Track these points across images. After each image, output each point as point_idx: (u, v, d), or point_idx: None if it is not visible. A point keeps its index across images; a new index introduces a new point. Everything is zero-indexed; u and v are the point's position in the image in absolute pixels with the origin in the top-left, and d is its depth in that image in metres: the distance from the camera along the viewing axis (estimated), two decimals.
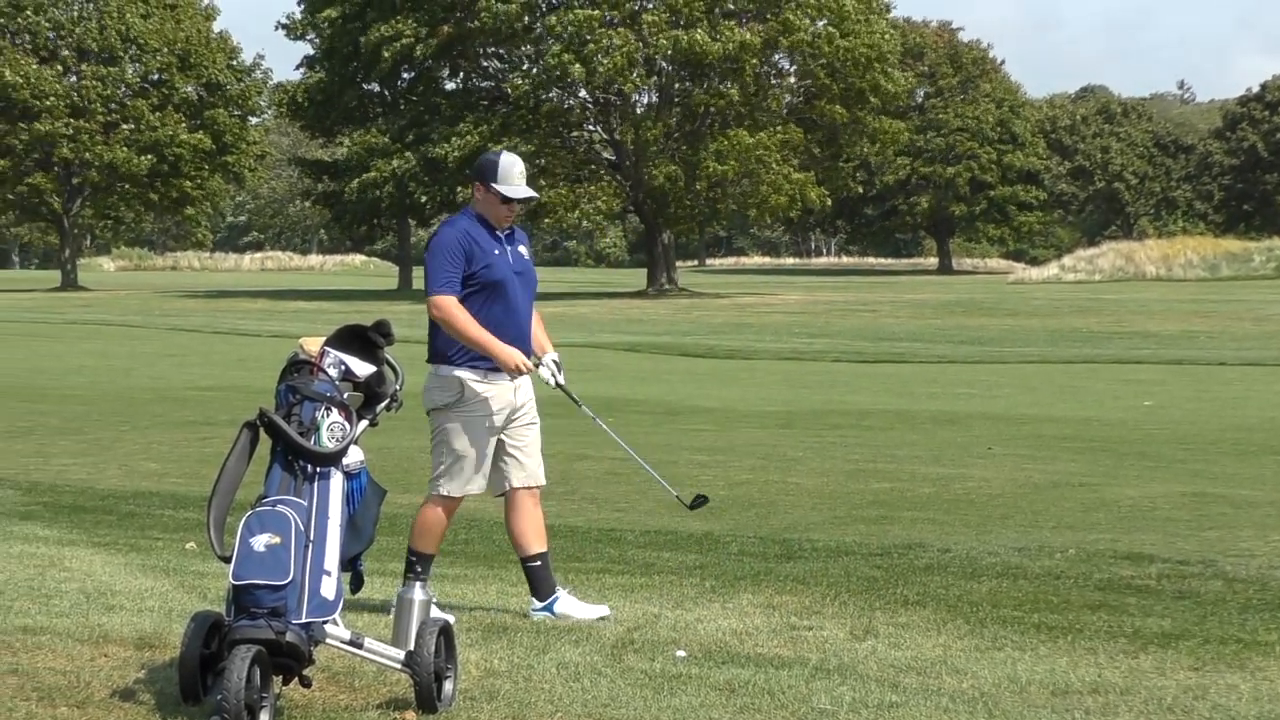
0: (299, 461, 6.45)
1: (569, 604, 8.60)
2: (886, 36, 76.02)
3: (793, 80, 78.36)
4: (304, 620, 6.21)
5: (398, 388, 6.85)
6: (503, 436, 8.53)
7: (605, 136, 78.39)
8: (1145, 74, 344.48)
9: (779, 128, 74.22)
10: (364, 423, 6.69)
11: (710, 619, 8.55)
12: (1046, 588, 9.94)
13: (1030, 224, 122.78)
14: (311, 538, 6.30)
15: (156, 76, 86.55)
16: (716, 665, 7.45)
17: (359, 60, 78.17)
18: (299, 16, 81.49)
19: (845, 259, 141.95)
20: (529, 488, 8.62)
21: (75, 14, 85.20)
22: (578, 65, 70.02)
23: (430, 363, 8.54)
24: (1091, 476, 16.36)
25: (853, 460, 17.76)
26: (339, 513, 6.43)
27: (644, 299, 72.63)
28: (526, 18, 73.92)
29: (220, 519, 6.41)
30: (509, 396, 8.48)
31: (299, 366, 6.66)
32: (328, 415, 6.52)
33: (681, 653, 7.69)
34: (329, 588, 6.30)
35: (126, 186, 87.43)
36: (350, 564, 6.59)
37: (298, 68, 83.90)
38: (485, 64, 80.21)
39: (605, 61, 70.12)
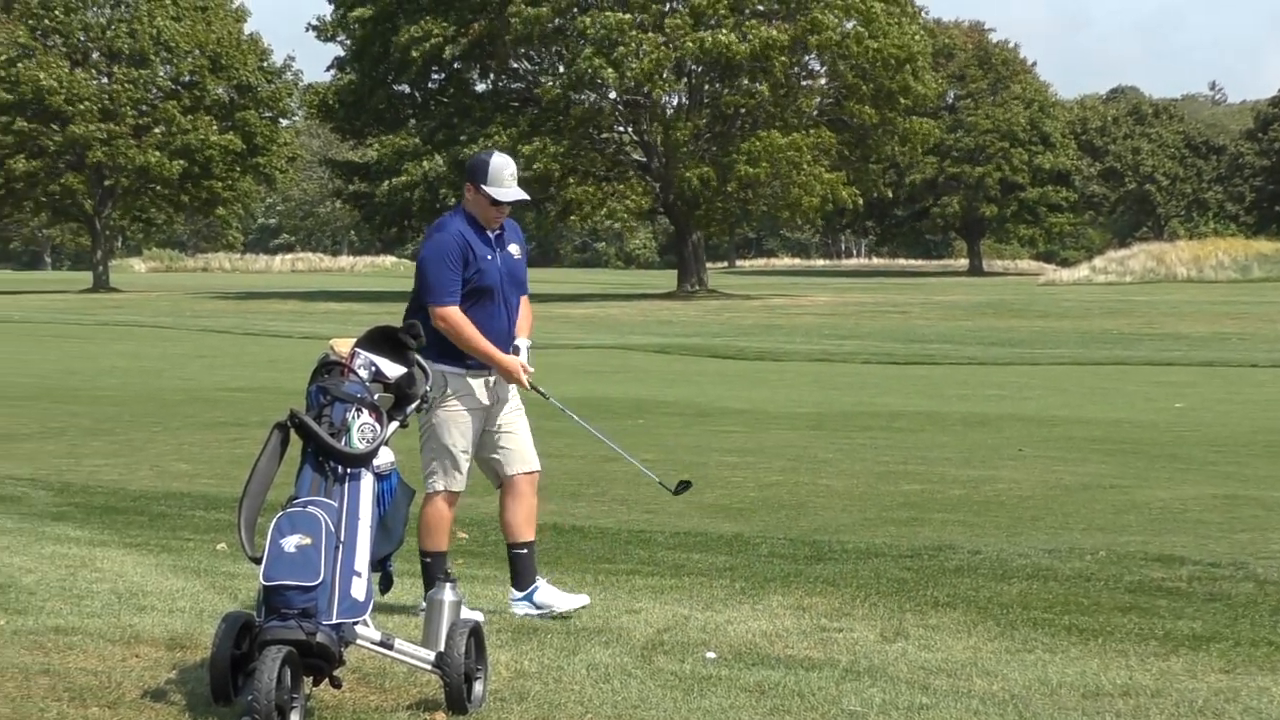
0: (330, 463, 6.46)
1: (549, 593, 8.63)
2: (918, 38, 75.88)
3: (823, 81, 78.24)
4: (334, 621, 6.22)
5: (428, 389, 6.86)
6: (490, 428, 8.57)
7: (635, 138, 78.37)
8: (1177, 75, 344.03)
9: (811, 130, 74.13)
10: (394, 424, 6.70)
11: (740, 620, 8.55)
12: (1077, 590, 9.91)
13: (1061, 225, 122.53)
14: (342, 539, 6.31)
15: (188, 78, 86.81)
16: (746, 667, 7.45)
17: (389, 62, 78.23)
18: (330, 17, 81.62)
19: (875, 260, 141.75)
20: (526, 473, 8.65)
21: (106, 18, 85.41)
22: (609, 69, 70.03)
23: None
24: (1122, 479, 16.31)
25: (883, 462, 17.74)
26: (369, 514, 6.44)
27: (674, 300, 72.56)
28: (557, 19, 73.92)
29: (251, 520, 6.42)
30: (491, 387, 8.53)
31: (330, 368, 6.67)
32: (358, 416, 6.54)
33: (711, 654, 7.68)
34: (359, 589, 6.31)
35: (157, 189, 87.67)
36: (380, 565, 6.61)
37: (328, 69, 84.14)
38: (515, 65, 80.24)
39: (635, 65, 70.11)
